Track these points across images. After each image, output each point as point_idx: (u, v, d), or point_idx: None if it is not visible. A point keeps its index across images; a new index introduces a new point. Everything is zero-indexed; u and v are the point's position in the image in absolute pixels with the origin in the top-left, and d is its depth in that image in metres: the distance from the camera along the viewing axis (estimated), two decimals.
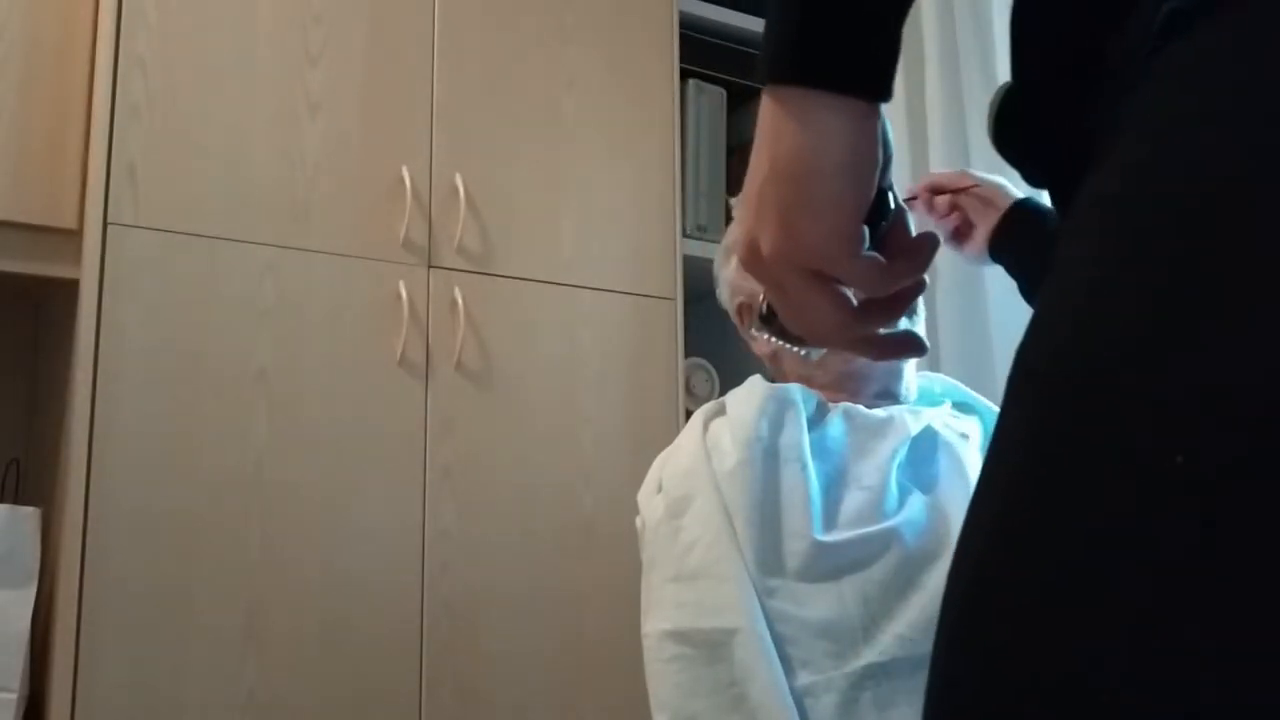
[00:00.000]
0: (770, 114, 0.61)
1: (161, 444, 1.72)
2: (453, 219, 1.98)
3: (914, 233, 0.68)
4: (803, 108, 0.59)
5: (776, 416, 1.28)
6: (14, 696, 1.61)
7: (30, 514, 1.68)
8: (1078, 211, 0.51)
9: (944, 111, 2.14)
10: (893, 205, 0.66)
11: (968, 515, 0.52)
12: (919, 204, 1.36)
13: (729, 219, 1.54)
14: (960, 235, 1.34)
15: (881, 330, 0.68)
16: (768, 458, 1.24)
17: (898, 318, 0.68)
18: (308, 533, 1.79)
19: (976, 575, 0.49)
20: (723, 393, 1.49)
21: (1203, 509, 0.40)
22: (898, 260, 0.64)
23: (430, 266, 1.96)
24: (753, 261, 0.64)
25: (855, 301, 0.64)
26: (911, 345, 0.72)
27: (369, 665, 1.80)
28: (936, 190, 1.36)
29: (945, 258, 1.42)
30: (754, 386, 1.36)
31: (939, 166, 2.13)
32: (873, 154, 0.60)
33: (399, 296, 1.91)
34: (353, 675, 1.79)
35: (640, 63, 2.23)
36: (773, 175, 0.61)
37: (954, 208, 1.34)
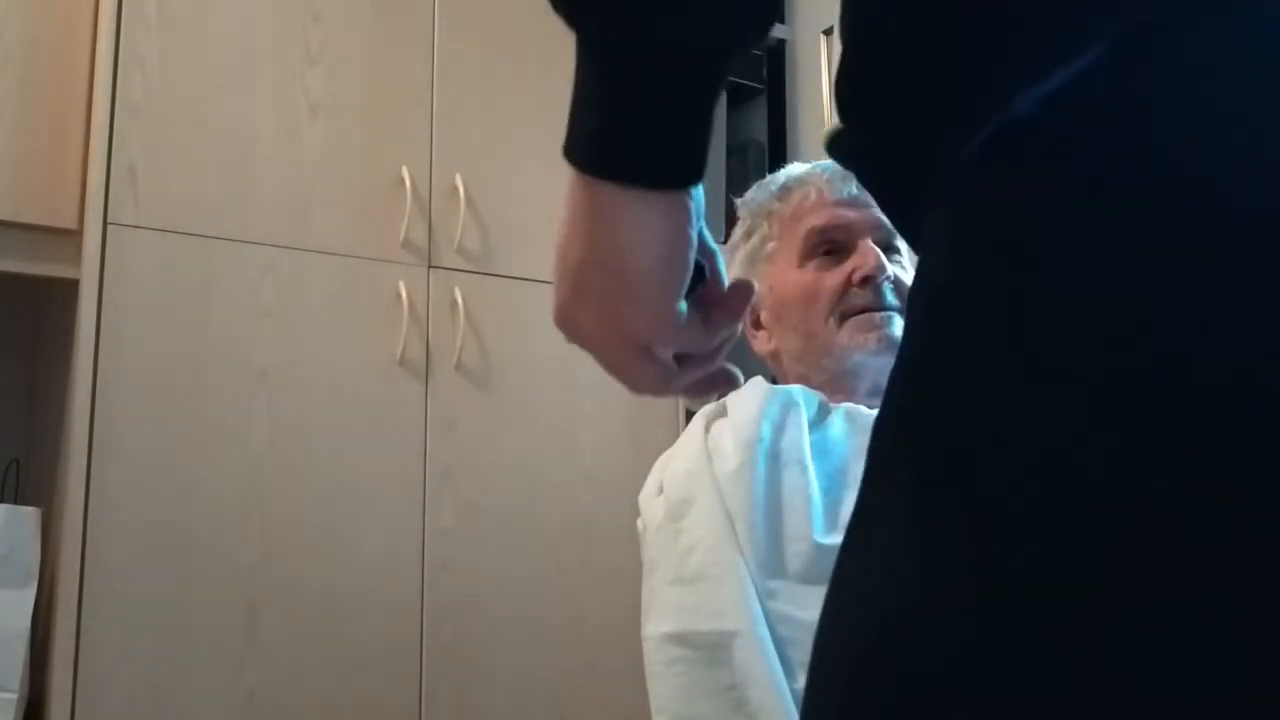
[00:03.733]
0: (582, 199, 0.58)
1: (161, 444, 1.71)
2: (453, 219, 1.98)
3: (725, 282, 0.67)
4: (619, 203, 0.57)
5: (778, 418, 1.27)
6: (14, 696, 1.61)
7: (30, 514, 1.68)
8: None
9: None
10: (705, 270, 0.64)
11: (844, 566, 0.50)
12: None
13: (729, 219, 1.54)
14: None
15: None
16: (769, 460, 1.24)
17: (716, 364, 0.69)
18: (307, 532, 1.79)
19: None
20: (723, 393, 1.49)
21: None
22: (715, 312, 0.64)
23: (430, 266, 1.96)
24: (572, 334, 0.64)
25: (672, 361, 0.65)
26: (725, 380, 0.72)
27: (369, 665, 1.80)
28: None
29: None
30: (756, 388, 1.36)
31: None
32: (689, 235, 0.58)
33: (399, 296, 1.90)
34: (352, 675, 1.79)
35: None
36: (591, 261, 0.59)
37: None
